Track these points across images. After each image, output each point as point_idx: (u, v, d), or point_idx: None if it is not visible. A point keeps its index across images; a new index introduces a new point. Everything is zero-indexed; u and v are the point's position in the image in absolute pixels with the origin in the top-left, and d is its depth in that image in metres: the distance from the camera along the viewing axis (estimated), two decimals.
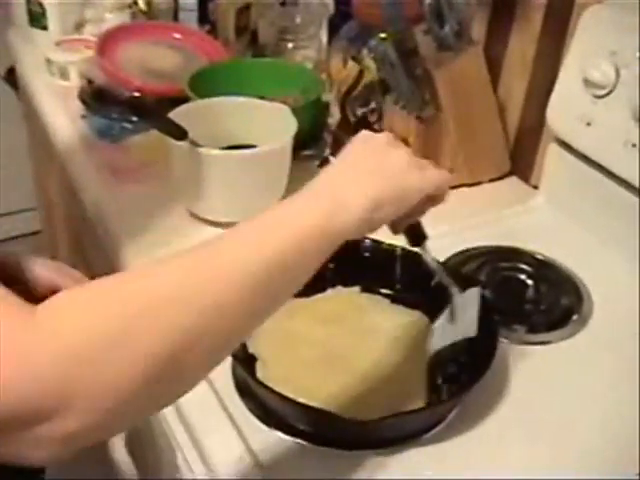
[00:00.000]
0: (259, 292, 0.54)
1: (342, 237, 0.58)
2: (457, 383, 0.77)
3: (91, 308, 0.49)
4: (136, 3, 1.50)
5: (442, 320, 0.77)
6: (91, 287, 0.52)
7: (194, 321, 0.50)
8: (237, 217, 0.60)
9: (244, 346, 0.80)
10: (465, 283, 0.86)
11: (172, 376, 0.51)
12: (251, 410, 0.74)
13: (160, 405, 0.55)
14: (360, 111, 1.15)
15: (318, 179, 0.61)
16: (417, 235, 0.73)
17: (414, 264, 0.87)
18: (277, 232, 0.55)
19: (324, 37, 1.38)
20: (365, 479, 0.69)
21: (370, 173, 0.61)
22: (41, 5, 1.48)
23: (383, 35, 1.02)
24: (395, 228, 0.69)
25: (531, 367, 0.81)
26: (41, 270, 0.82)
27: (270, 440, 0.72)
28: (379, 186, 0.60)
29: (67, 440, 0.48)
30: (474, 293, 0.77)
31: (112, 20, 1.48)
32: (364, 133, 0.65)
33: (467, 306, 0.76)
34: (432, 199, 0.66)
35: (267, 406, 0.74)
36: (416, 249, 0.74)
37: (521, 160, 1.15)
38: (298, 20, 1.38)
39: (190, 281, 0.52)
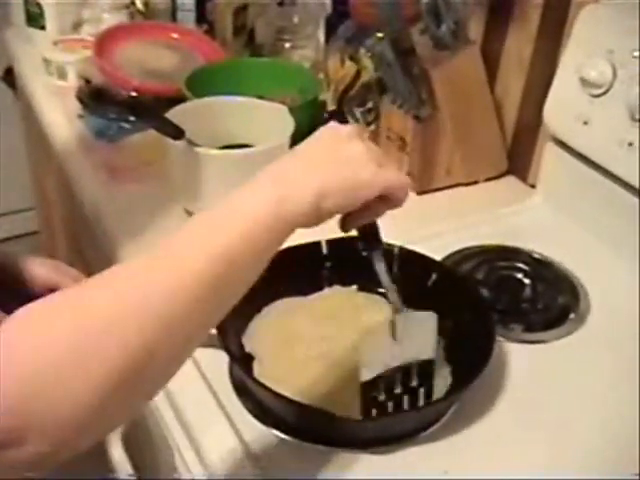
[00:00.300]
0: (212, 293, 0.53)
1: (291, 227, 0.57)
2: (399, 404, 0.71)
3: (42, 331, 0.48)
4: (134, 3, 1.50)
5: (383, 338, 0.71)
6: (44, 307, 0.50)
7: (149, 333, 0.49)
8: None
9: (241, 345, 0.80)
10: (459, 284, 0.86)
11: (130, 390, 0.50)
12: (248, 409, 0.74)
13: (124, 417, 0.55)
14: (357, 110, 1.15)
15: (271, 167, 0.60)
16: (371, 238, 0.69)
17: (412, 263, 0.87)
18: (227, 227, 0.55)
19: (321, 37, 1.38)
20: (362, 479, 0.69)
21: (323, 162, 0.60)
22: (39, 5, 1.48)
23: (380, 35, 1.02)
24: (345, 224, 0.65)
25: (528, 366, 0.82)
26: (39, 269, 0.82)
27: (267, 439, 0.72)
28: (328, 175, 0.59)
29: (35, 463, 0.48)
30: (428, 317, 0.72)
31: (110, 20, 1.49)
32: (331, 124, 0.65)
33: (416, 328, 0.71)
34: (387, 201, 0.63)
35: (264, 405, 0.74)
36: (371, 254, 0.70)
37: (518, 159, 1.15)
38: (295, 20, 1.39)
39: (142, 293, 0.51)
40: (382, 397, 0.71)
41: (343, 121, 0.67)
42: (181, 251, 0.54)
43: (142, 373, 0.50)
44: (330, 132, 0.64)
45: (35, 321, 0.48)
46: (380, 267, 0.70)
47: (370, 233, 0.68)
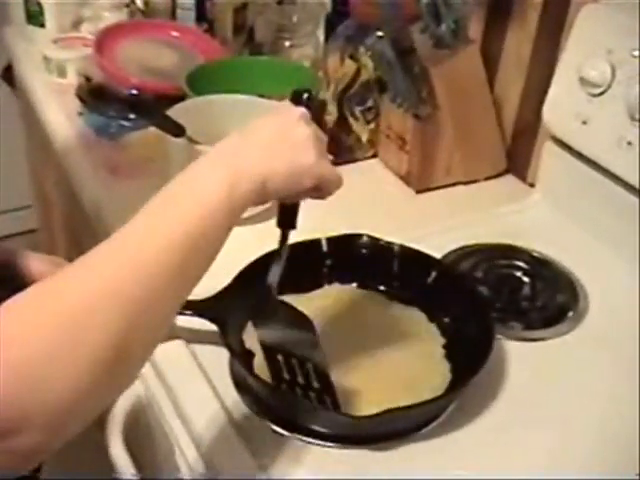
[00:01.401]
0: (172, 276, 0.55)
1: (243, 207, 0.60)
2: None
3: (28, 322, 0.49)
4: (134, 1, 1.50)
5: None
6: (27, 298, 0.51)
7: (127, 312, 0.51)
8: None
9: (242, 342, 0.80)
10: (459, 282, 0.87)
11: (116, 368, 0.51)
12: (248, 405, 0.74)
13: (111, 396, 0.58)
14: (357, 109, 1.15)
15: (221, 147, 0.63)
16: (288, 218, 0.71)
17: (411, 261, 0.88)
18: (182, 210, 0.57)
19: (321, 35, 1.38)
20: (361, 478, 0.70)
21: (271, 142, 0.63)
22: (39, 3, 1.48)
23: (380, 33, 1.02)
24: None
25: (527, 364, 0.82)
26: (39, 266, 0.81)
27: (267, 435, 0.72)
28: (274, 156, 0.62)
29: (30, 454, 0.48)
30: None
31: (110, 18, 1.49)
32: (283, 105, 0.67)
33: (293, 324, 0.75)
34: (317, 190, 0.66)
35: (264, 401, 0.74)
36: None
37: (517, 158, 1.16)
38: (295, 18, 1.39)
39: (114, 278, 0.52)
40: (286, 376, 0.74)
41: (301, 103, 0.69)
42: (138, 243, 0.55)
43: (125, 351, 0.51)
44: (281, 114, 0.66)
45: (21, 312, 0.49)
46: (283, 246, 0.72)
47: (289, 212, 0.70)
